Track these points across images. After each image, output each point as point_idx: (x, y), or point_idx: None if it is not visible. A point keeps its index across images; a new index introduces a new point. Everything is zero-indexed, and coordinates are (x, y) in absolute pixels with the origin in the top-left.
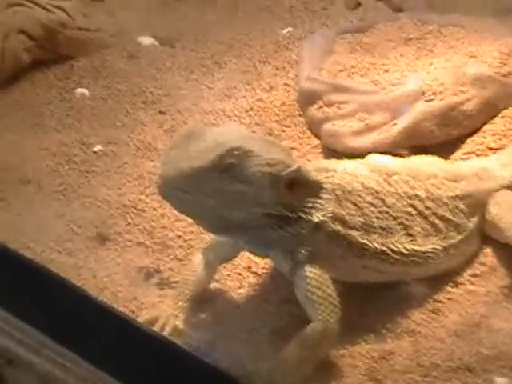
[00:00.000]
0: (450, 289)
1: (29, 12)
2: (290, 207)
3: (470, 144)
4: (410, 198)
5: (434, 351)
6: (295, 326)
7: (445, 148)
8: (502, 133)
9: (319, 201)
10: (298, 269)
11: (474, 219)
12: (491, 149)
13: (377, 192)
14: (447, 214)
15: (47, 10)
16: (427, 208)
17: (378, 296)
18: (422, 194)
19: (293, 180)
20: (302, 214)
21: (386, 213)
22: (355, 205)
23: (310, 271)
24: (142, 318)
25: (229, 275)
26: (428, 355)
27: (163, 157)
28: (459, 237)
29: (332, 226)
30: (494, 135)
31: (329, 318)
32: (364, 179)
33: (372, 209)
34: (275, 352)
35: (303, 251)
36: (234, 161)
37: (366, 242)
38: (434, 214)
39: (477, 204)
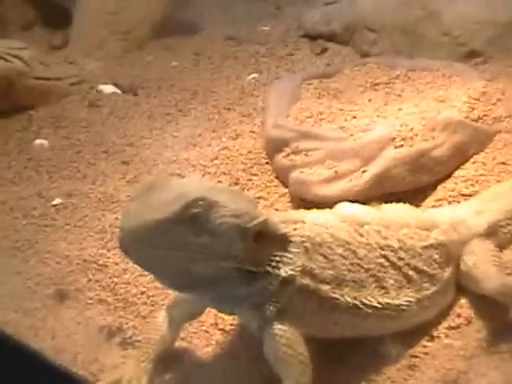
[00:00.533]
0: (426, 343)
1: None
2: (257, 261)
3: (441, 191)
4: (382, 248)
5: None
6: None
7: (416, 195)
8: (473, 178)
9: (287, 254)
10: (267, 326)
11: (449, 269)
12: (463, 195)
13: (348, 243)
14: (421, 265)
15: (4, 59)
16: (400, 259)
17: (352, 352)
18: (395, 244)
19: (259, 232)
20: (269, 269)
21: (358, 265)
22: (325, 257)
23: (280, 328)
24: (102, 381)
25: (195, 333)
26: None
27: (124, 209)
28: (434, 288)
29: (301, 280)
30: (465, 181)
31: (300, 379)
32: (334, 230)
33: (343, 261)
34: None
35: (271, 308)
36: (199, 211)
37: (337, 296)
38: (408, 264)
39: (451, 254)
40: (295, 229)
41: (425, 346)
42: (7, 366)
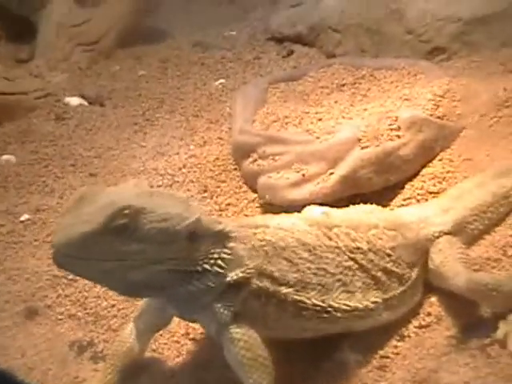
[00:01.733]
0: (396, 343)
1: None
2: (194, 260)
3: (409, 189)
4: (351, 251)
5: None
6: None
7: (384, 195)
8: (440, 176)
9: (227, 251)
10: (224, 330)
11: (417, 268)
12: (431, 193)
13: (314, 248)
14: (389, 266)
15: None
16: (370, 261)
17: (321, 356)
18: (364, 246)
19: (192, 232)
20: (207, 266)
21: (324, 270)
22: (289, 261)
23: (237, 332)
24: None
25: (166, 343)
26: None
27: (57, 223)
28: (401, 288)
29: (258, 282)
30: (433, 179)
31: (261, 381)
32: (301, 235)
33: (308, 265)
34: None
35: (226, 311)
36: (126, 221)
37: (302, 298)
38: (377, 266)
39: (419, 252)
40: (255, 233)
41: (395, 347)
42: None
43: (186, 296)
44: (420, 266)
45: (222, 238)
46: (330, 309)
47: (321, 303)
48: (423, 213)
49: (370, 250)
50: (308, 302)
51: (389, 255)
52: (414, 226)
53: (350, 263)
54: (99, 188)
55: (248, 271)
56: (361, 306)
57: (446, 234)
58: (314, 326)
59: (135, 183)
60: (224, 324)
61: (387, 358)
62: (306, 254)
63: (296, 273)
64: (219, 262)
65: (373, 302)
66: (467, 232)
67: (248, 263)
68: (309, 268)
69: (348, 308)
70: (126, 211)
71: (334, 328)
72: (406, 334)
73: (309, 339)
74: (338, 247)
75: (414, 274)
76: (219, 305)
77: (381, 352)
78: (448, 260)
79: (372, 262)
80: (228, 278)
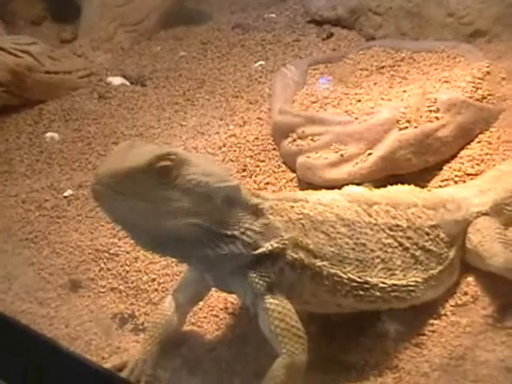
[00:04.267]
0: (432, 321)
1: None
2: (225, 224)
3: (447, 171)
4: (390, 229)
5: None
6: None
7: (422, 176)
8: (479, 158)
9: (257, 224)
10: (259, 300)
11: (454, 248)
12: (469, 174)
13: (353, 223)
14: (428, 244)
15: (14, 54)
16: (409, 239)
17: (358, 332)
18: (404, 223)
19: (228, 196)
20: (236, 233)
21: (363, 245)
22: (327, 235)
23: (271, 302)
24: (110, 363)
25: (205, 317)
26: None
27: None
28: (440, 267)
29: (293, 254)
30: (471, 161)
31: (294, 350)
32: (340, 210)
33: (346, 240)
34: None
35: (261, 281)
36: (170, 164)
37: (338, 272)
38: (416, 244)
39: (457, 232)
40: (293, 207)
41: (432, 325)
42: (24, 355)
43: (213, 259)
44: (458, 245)
45: (256, 211)
46: (366, 285)
47: (357, 278)
48: (462, 193)
49: (409, 227)
50: (344, 276)
51: (427, 234)
52: (453, 205)
53: (390, 241)
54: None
55: (283, 242)
56: (400, 283)
57: (484, 214)
58: (349, 303)
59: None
60: (259, 294)
61: (424, 335)
62: (344, 229)
63: (333, 247)
64: (248, 232)
65: (413, 282)
66: (505, 213)
67: (283, 235)
68: (347, 243)
69: (385, 286)
70: (172, 156)
71: (371, 306)
72: (442, 312)
73: (347, 315)
74: (377, 224)
75: (452, 253)
76: (254, 275)
77: (417, 330)
78: (486, 240)
79: (411, 240)
80: (263, 249)
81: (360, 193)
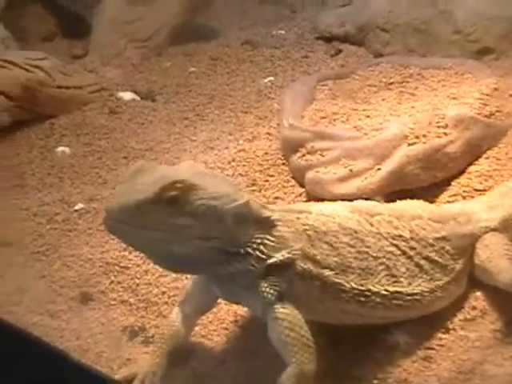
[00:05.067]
0: (441, 335)
1: (7, 72)
2: (237, 242)
3: (455, 186)
4: (393, 238)
5: None
6: None
7: (430, 191)
8: (487, 174)
9: (270, 237)
10: (268, 310)
11: (461, 261)
12: (477, 190)
13: (356, 232)
14: (433, 255)
15: (26, 69)
16: (412, 248)
17: (367, 344)
18: (407, 234)
19: (239, 214)
20: (249, 250)
21: (366, 253)
22: (330, 245)
23: (281, 312)
24: (120, 374)
25: (215, 330)
26: None
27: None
28: (446, 278)
29: (302, 265)
30: (479, 176)
31: (303, 360)
32: (342, 220)
33: (349, 249)
34: None
35: (271, 291)
36: (178, 193)
37: (341, 281)
38: (419, 254)
39: (464, 246)
40: (298, 218)
41: (440, 339)
42: (35, 367)
43: (226, 276)
44: (465, 259)
45: (267, 224)
46: (368, 293)
47: (359, 286)
48: (470, 208)
49: (412, 238)
50: (347, 285)
51: (432, 245)
52: (460, 220)
53: (393, 249)
54: (155, 163)
55: (294, 252)
56: (403, 291)
57: (492, 230)
58: (353, 310)
59: (191, 164)
60: (269, 303)
61: (432, 349)
62: (346, 239)
63: (336, 257)
64: (261, 247)
65: (418, 290)
66: None
67: (293, 245)
68: (349, 252)
69: (387, 293)
70: (179, 185)
71: (374, 314)
72: (450, 326)
73: (355, 327)
74: (379, 233)
75: (459, 266)
76: (265, 284)
77: (426, 343)
78: (494, 256)
79: (414, 250)
80: (274, 259)
81: (362, 204)
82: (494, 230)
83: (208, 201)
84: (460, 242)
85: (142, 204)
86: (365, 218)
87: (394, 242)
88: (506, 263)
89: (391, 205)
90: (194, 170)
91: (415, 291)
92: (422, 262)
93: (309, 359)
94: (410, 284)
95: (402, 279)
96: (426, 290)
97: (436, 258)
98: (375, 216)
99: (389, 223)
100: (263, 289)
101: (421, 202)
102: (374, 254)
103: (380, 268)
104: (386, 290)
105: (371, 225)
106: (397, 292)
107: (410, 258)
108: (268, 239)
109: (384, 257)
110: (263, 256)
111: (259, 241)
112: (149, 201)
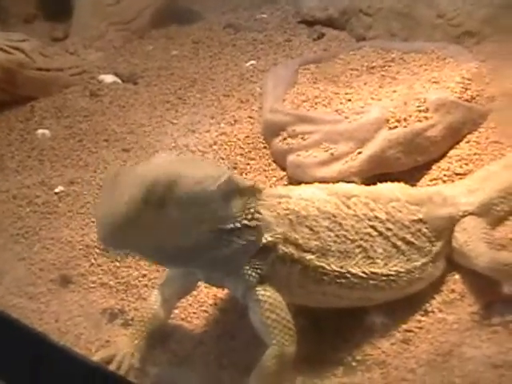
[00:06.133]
0: (420, 317)
1: None
2: (233, 218)
3: (436, 170)
4: (369, 219)
5: (406, 383)
6: None
7: (411, 175)
8: (467, 158)
9: (267, 222)
10: (250, 292)
11: (439, 244)
12: (458, 174)
13: (334, 216)
14: (409, 237)
15: (5, 51)
16: (388, 229)
17: (346, 326)
18: (383, 216)
19: (226, 191)
20: (246, 222)
21: (344, 236)
22: (311, 229)
23: (263, 294)
24: (98, 356)
25: (195, 313)
26: None
27: (95, 208)
28: (423, 260)
29: (284, 248)
30: (459, 160)
31: (284, 341)
32: (321, 204)
33: (328, 233)
34: None
35: (254, 273)
36: (162, 191)
37: (323, 264)
38: (396, 235)
39: (441, 229)
40: (279, 202)
41: (419, 321)
42: (13, 349)
43: (229, 255)
44: (443, 242)
45: (255, 191)
46: (348, 274)
47: (339, 269)
48: (449, 192)
49: (388, 220)
50: (328, 268)
51: (408, 227)
52: (438, 203)
53: (370, 230)
54: (128, 166)
55: (276, 236)
56: (382, 272)
57: (471, 214)
58: (333, 292)
59: (163, 156)
60: (251, 286)
61: (411, 331)
62: (326, 223)
63: (317, 240)
64: (256, 215)
65: (395, 271)
66: (493, 213)
67: (276, 229)
68: (329, 236)
69: (365, 275)
70: (160, 186)
71: (353, 295)
72: (429, 309)
73: (334, 310)
74: (356, 215)
75: (436, 248)
76: (247, 267)
77: (404, 326)
78: (472, 240)
79: (391, 231)
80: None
81: (338, 186)
82: (473, 213)
83: (192, 187)
84: (437, 224)
85: (132, 213)
86: (342, 201)
87: (371, 223)
88: (483, 247)
89: (369, 187)
90: (168, 161)
91: (391, 272)
92: (399, 243)
93: (289, 341)
94: (386, 265)
95: (378, 260)
96: (403, 270)
97: (412, 239)
98: (352, 198)
99: (365, 205)
100: (246, 271)
101: (401, 184)
102: (352, 237)
103: (357, 250)
104: (363, 272)
105: (348, 207)
106: (373, 273)
107: (386, 238)
108: (260, 205)
109: (361, 239)
110: (260, 223)
111: (252, 210)
112: (137, 208)
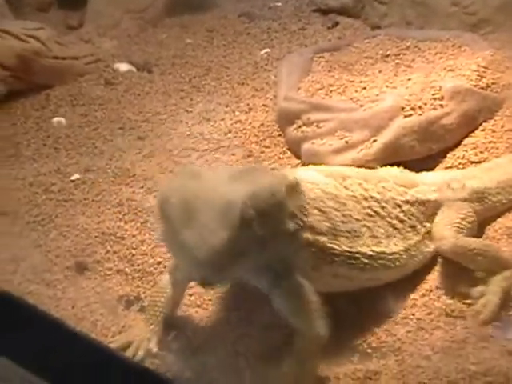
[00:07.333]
0: (435, 303)
1: (2, 42)
2: (294, 219)
3: (451, 158)
4: (366, 199)
5: (421, 369)
6: (282, 348)
7: (426, 163)
8: (482, 146)
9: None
10: (278, 281)
11: (428, 225)
12: (473, 162)
13: (337, 196)
14: (402, 215)
15: (21, 39)
16: (383, 208)
17: (362, 314)
18: (377, 195)
19: (290, 195)
20: (299, 222)
21: (350, 216)
22: (320, 210)
23: (291, 282)
24: (115, 343)
25: (210, 299)
26: (414, 374)
27: (183, 240)
28: (416, 238)
29: (303, 234)
30: (474, 148)
31: (318, 324)
32: (323, 185)
33: (335, 213)
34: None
35: (281, 263)
36: (251, 211)
37: (334, 246)
38: (391, 213)
39: (431, 212)
40: None
41: (434, 308)
42: (31, 334)
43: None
44: (432, 224)
45: (300, 190)
46: (358, 255)
47: (350, 249)
48: (443, 177)
49: (381, 199)
50: (339, 248)
51: (399, 205)
52: (427, 186)
53: (368, 210)
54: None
55: (299, 223)
56: (386, 250)
57: (460, 199)
58: (344, 273)
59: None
60: (278, 275)
61: (425, 318)
62: (331, 203)
63: (327, 221)
64: (299, 214)
65: (396, 249)
66: (488, 203)
67: (299, 215)
68: (336, 216)
69: (373, 254)
70: (248, 204)
71: (363, 275)
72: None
73: (348, 296)
74: (354, 196)
75: (424, 229)
76: (276, 257)
77: (419, 313)
78: (443, 223)
79: (386, 210)
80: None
81: (333, 168)
82: (464, 199)
83: (268, 201)
84: (425, 207)
85: (232, 238)
86: (339, 182)
87: (368, 203)
88: (449, 231)
89: (357, 169)
90: (229, 175)
91: (394, 250)
92: (394, 221)
93: (322, 323)
94: (388, 243)
95: (382, 239)
96: (402, 248)
97: (405, 218)
98: (347, 179)
99: (359, 185)
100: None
101: (401, 168)
102: (356, 217)
103: (363, 229)
104: (372, 251)
105: (346, 188)
106: (381, 252)
107: (383, 218)
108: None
109: (364, 219)
110: (290, 228)
111: (297, 210)
112: (235, 234)
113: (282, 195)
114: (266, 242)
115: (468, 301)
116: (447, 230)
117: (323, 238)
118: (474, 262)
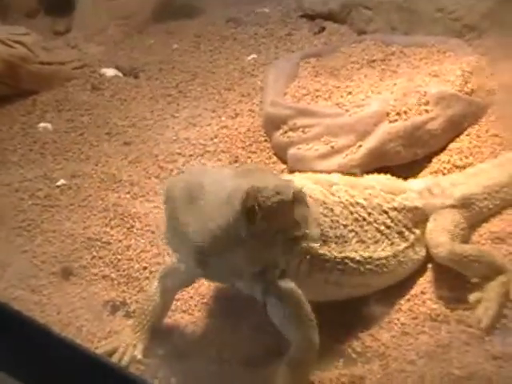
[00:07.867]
0: (420, 309)
1: None
2: (299, 225)
3: (436, 163)
4: (352, 205)
5: (405, 374)
6: (267, 355)
7: (412, 168)
8: (467, 151)
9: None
10: (271, 288)
11: (417, 231)
12: (458, 167)
13: (325, 203)
14: (389, 222)
15: (7, 45)
16: (370, 214)
17: (346, 320)
18: (363, 202)
19: (297, 199)
20: (305, 230)
21: (337, 222)
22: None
23: (285, 289)
24: (101, 348)
25: (196, 305)
26: (399, 378)
27: (180, 224)
28: (404, 244)
29: (302, 243)
30: (459, 153)
31: (311, 333)
32: (311, 191)
33: (324, 219)
34: None
35: (276, 270)
36: (254, 203)
37: (325, 252)
38: (377, 220)
39: (418, 218)
40: None
41: (419, 313)
42: (15, 341)
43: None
44: (421, 230)
45: (306, 200)
46: (347, 260)
47: (339, 255)
48: (430, 184)
49: (368, 206)
50: (329, 254)
51: (386, 212)
52: (417, 194)
53: (355, 215)
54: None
55: (300, 232)
56: (373, 256)
57: (448, 206)
58: (335, 280)
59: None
60: (271, 282)
61: (410, 323)
62: (321, 209)
63: (317, 227)
64: (302, 224)
65: (384, 255)
66: (475, 209)
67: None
68: (325, 222)
69: (361, 259)
70: (251, 194)
71: (352, 281)
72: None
73: (334, 303)
74: (341, 202)
75: (413, 236)
76: (272, 264)
77: (404, 318)
78: (437, 230)
79: (373, 216)
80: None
81: (319, 175)
82: (453, 206)
83: (273, 199)
84: (413, 214)
85: (231, 225)
86: (326, 189)
87: (355, 209)
88: (444, 238)
89: (344, 176)
90: (234, 172)
91: (382, 255)
92: (382, 227)
93: (314, 332)
94: (376, 249)
95: (370, 245)
96: (390, 254)
97: (392, 224)
98: (333, 186)
99: (345, 192)
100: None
101: (387, 176)
102: (344, 222)
103: (351, 235)
104: (360, 256)
105: (332, 194)
106: (369, 257)
107: (370, 223)
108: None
109: (351, 224)
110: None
111: (302, 219)
112: (235, 219)
113: (288, 197)
114: (266, 241)
115: (452, 305)
116: (442, 237)
117: (314, 244)
118: (469, 269)
